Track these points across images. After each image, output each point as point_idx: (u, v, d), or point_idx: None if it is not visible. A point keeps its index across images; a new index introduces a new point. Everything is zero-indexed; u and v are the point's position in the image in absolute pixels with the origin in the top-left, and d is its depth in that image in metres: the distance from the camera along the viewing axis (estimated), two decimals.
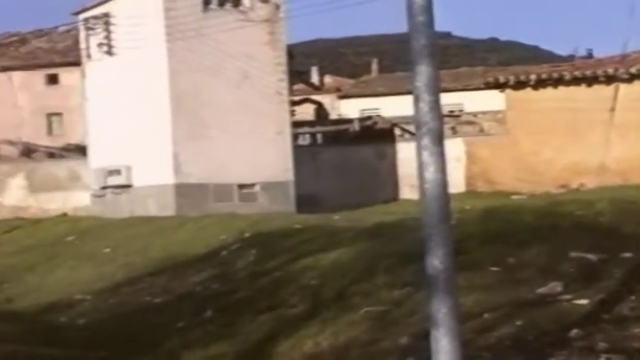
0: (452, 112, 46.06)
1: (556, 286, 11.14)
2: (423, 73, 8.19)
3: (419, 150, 8.25)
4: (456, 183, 34.30)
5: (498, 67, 62.73)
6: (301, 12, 54.83)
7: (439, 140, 8.19)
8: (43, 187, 43.28)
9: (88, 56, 39.17)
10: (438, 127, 8.20)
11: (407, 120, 41.35)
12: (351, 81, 76.96)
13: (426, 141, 8.12)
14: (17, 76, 49.77)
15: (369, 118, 49.66)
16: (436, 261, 8.18)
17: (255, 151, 35.09)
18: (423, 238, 8.34)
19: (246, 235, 20.15)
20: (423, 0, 8.14)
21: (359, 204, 33.24)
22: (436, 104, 8.15)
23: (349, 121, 50.95)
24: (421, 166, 8.20)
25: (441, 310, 8.16)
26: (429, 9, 8.17)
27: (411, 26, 8.20)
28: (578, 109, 35.11)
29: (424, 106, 8.15)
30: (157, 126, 34.81)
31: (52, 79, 49.45)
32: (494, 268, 11.41)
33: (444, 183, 8.25)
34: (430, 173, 8.16)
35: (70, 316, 16.73)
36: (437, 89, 8.16)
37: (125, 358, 12.01)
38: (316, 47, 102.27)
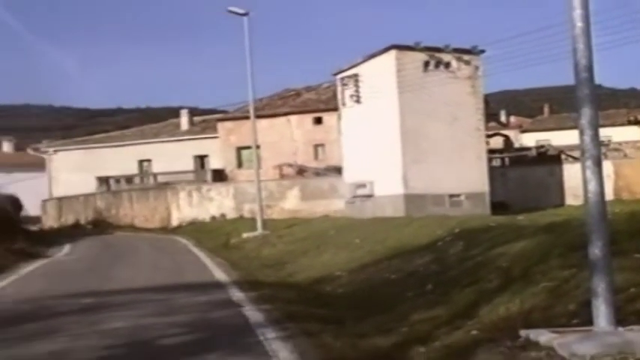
0: (602, 141, 45.03)
1: None
2: (586, 114, 8.22)
3: (583, 170, 8.25)
4: (607, 193, 33.75)
5: (637, 109, 60.65)
6: (493, 71, 54.42)
7: (598, 163, 8.20)
8: (311, 196, 44.29)
9: (343, 104, 39.83)
10: (598, 154, 8.22)
11: (571, 148, 41.00)
12: (529, 120, 76.45)
13: (588, 163, 8.16)
14: (294, 118, 50.85)
15: (543, 146, 49.26)
16: (596, 250, 8.17)
17: (460, 171, 35.11)
18: (586, 233, 8.30)
19: (456, 230, 20.01)
20: (586, 61, 8.13)
21: (536, 208, 32.77)
22: (596, 137, 8.18)
23: (528, 149, 50.88)
24: (585, 182, 8.22)
25: (599, 285, 8.12)
26: (590, 68, 8.18)
27: (577, 80, 8.23)
28: None
29: (587, 138, 8.18)
30: (391, 153, 35.16)
31: (318, 121, 50.25)
32: (637, 255, 11.09)
33: (602, 193, 8.26)
34: (592, 186, 8.18)
35: (332, 286, 16.96)
36: (596, 126, 8.18)
37: (371, 316, 12.13)
38: (504, 96, 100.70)
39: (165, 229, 48.22)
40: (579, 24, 8.38)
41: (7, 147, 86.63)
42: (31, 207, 54.00)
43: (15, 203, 45.52)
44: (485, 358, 8.11)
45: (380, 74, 36.16)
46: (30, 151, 69.18)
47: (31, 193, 55.49)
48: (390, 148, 35.26)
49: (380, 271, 17.65)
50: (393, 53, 35.65)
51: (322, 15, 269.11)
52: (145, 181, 56.74)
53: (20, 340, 10.94)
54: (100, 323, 12.27)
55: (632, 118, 43.79)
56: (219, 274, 20.77)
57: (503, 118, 70.99)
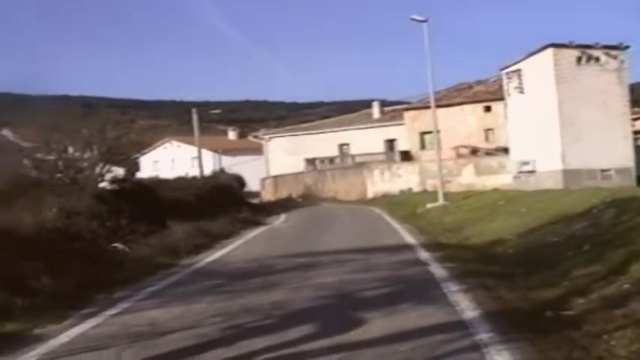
0: None
1: None
2: None
3: None
4: None
5: None
6: (637, 64, 52.12)
7: None
8: (483, 172, 44.04)
9: (508, 94, 39.20)
10: None
11: None
12: None
13: None
14: (467, 107, 50.46)
15: None
16: None
17: (610, 149, 34.08)
18: None
19: (608, 200, 19.41)
20: None
21: None
22: None
23: None
24: None
25: None
26: None
27: None
28: None
29: None
30: (550, 135, 34.49)
31: (487, 109, 49.68)
32: None
33: None
34: None
35: (504, 248, 16.82)
36: None
37: (537, 272, 12.05)
38: None
39: (362, 201, 49.00)
40: None
41: (232, 135, 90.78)
42: (252, 184, 56.27)
43: (239, 181, 47.59)
44: (635, 307, 8.08)
45: (539, 69, 35.45)
46: (250, 138, 72.02)
47: (252, 172, 57.82)
48: (549, 131, 34.48)
49: (543, 234, 17.37)
50: (550, 51, 34.83)
51: (489, 18, 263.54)
52: (344, 162, 57.84)
53: (248, 292, 11.39)
54: (312, 278, 12.65)
55: None
56: (408, 238, 20.85)
57: None
